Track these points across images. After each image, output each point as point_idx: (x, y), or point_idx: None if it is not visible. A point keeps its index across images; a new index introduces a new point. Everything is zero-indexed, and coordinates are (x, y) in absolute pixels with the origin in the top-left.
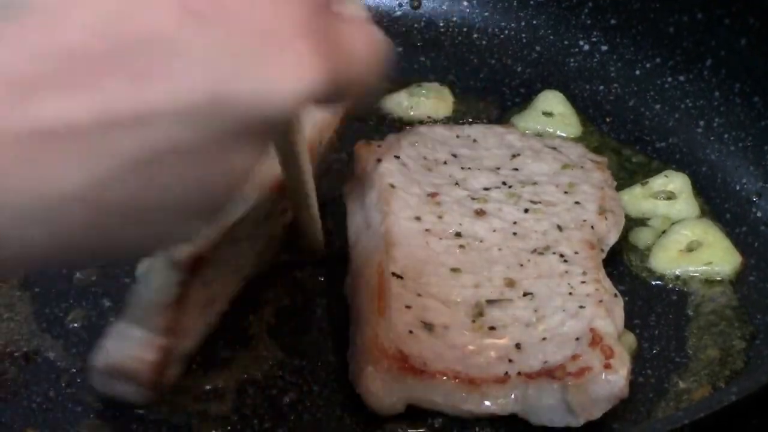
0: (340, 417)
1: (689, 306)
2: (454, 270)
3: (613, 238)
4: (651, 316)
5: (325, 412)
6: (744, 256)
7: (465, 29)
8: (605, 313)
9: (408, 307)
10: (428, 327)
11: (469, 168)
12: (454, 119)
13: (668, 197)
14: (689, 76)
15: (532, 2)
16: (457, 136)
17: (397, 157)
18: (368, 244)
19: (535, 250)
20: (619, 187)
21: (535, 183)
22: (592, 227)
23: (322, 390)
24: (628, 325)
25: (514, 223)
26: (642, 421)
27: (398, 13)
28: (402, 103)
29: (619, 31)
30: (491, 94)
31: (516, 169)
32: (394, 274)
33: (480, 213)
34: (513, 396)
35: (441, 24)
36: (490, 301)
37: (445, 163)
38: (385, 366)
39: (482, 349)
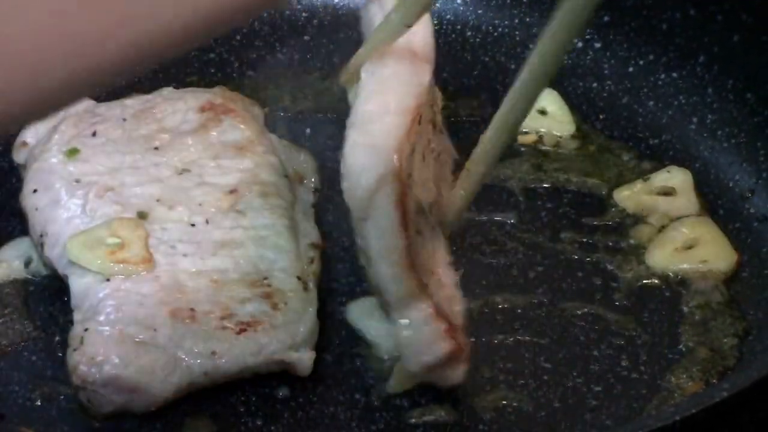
0: (333, 414)
1: (683, 302)
2: None
3: None
4: (644, 312)
5: (318, 409)
6: (737, 252)
7: (458, 27)
8: None
9: None
10: None
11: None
12: (446, 116)
13: (668, 193)
14: (682, 73)
15: (525, 0)
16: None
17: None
18: None
19: None
20: (613, 185)
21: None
22: None
23: (315, 386)
24: (622, 321)
25: None
26: (634, 417)
27: None
28: None
29: (612, 28)
30: (485, 91)
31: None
32: None
33: None
34: None
35: (434, 21)
36: None
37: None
38: None
39: None
